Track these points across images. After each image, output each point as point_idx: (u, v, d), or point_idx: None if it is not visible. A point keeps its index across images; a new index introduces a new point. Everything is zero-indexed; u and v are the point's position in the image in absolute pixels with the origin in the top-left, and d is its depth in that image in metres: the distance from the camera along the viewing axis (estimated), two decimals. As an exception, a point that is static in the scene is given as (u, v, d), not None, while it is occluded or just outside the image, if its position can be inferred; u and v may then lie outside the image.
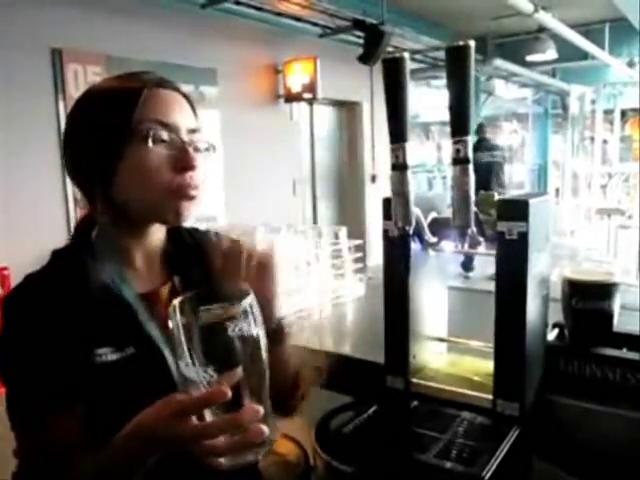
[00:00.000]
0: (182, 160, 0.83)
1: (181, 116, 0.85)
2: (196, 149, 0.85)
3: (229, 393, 0.60)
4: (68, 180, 3.17)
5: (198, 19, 4.24)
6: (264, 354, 0.65)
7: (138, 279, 0.88)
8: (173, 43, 4.12)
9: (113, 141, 0.81)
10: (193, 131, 0.86)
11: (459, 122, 0.89)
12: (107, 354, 0.80)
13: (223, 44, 4.48)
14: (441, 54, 6.17)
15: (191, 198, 0.85)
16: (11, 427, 0.80)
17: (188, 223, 0.91)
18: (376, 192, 5.99)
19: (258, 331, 0.64)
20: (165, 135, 0.82)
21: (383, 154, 6.09)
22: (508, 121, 9.91)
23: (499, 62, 6.62)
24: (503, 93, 8.83)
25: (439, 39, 5.72)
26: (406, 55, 0.90)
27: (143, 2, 3.83)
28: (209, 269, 0.88)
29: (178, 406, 0.63)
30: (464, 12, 6.22)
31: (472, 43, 0.86)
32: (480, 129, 6.23)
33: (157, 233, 0.91)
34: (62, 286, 0.81)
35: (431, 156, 10.02)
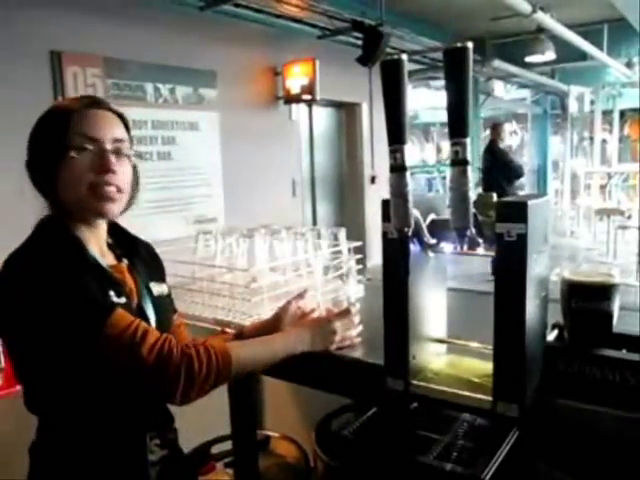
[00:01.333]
0: (101, 164, 1.06)
1: (105, 129, 1.08)
2: (119, 154, 1.09)
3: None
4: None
5: (197, 21, 4.24)
6: None
7: (100, 257, 1.12)
8: (172, 45, 4.12)
9: (52, 153, 1.06)
10: (119, 140, 1.10)
11: (457, 124, 0.89)
12: (114, 297, 1.04)
13: (222, 46, 4.49)
14: (440, 55, 6.17)
15: (111, 199, 1.08)
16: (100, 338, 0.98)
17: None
18: (375, 193, 5.99)
19: None
20: (90, 146, 1.06)
21: (382, 155, 6.08)
22: (507, 122, 9.93)
23: (498, 63, 6.63)
24: (502, 94, 8.85)
25: (438, 40, 5.73)
26: (404, 57, 0.90)
27: (142, 4, 3.84)
28: (144, 258, 1.22)
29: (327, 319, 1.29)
30: (462, 13, 6.22)
31: (470, 45, 0.86)
32: (494, 130, 6.17)
33: (103, 226, 1.16)
34: (69, 253, 1.05)
35: (430, 157, 10.02)
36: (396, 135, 0.91)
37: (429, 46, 5.70)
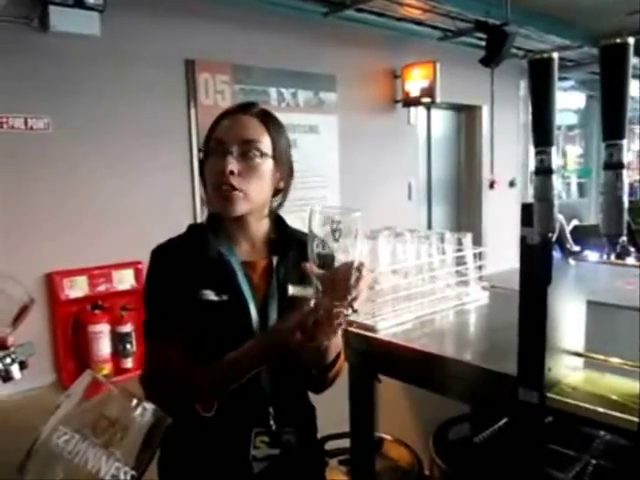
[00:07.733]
0: (219, 164, 1.12)
1: (234, 132, 1.14)
2: (246, 156, 1.13)
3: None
4: (196, 179, 3.41)
5: (319, 27, 4.34)
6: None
7: (242, 252, 1.20)
8: (295, 51, 4.25)
9: (202, 156, 1.19)
10: (248, 142, 1.13)
11: (613, 125, 0.84)
12: (209, 295, 1.12)
13: (342, 50, 4.55)
14: (569, 54, 5.84)
15: (227, 198, 1.12)
16: (144, 339, 1.18)
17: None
18: (494, 199, 5.78)
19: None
20: (218, 148, 1.14)
21: (502, 159, 5.86)
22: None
23: (635, 61, 6.12)
24: (637, 94, 8.17)
25: (567, 38, 5.41)
26: (555, 55, 0.86)
27: (266, 13, 3.98)
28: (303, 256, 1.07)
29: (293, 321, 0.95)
30: (595, 8, 5.80)
31: (631, 40, 0.81)
32: None
33: (256, 222, 1.21)
34: (188, 247, 1.18)
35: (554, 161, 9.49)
36: (544, 136, 0.88)
37: (557, 45, 5.40)
